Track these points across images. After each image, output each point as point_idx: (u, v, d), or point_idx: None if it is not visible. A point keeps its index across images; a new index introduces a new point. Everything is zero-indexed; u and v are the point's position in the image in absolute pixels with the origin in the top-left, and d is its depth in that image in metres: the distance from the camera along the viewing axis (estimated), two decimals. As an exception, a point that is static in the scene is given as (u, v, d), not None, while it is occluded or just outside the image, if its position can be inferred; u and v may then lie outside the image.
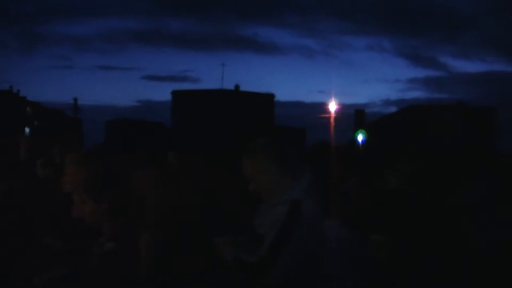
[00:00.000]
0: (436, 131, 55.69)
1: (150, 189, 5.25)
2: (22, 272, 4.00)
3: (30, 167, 6.26)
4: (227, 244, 3.94)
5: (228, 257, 3.89)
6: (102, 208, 3.60)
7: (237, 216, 4.80)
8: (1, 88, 60.71)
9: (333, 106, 42.06)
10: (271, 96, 67.64)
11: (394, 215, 6.10)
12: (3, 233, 4.78)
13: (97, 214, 3.62)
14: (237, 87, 65.94)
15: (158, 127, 59.14)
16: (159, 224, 4.56)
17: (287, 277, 3.75)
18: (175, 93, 66.37)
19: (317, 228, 3.90)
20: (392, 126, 59.62)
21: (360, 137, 48.19)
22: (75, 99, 64.27)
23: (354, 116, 62.94)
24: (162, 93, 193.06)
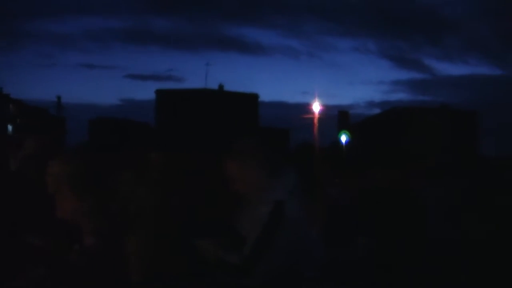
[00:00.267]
0: (419, 133, 55.95)
1: (133, 189, 5.25)
2: (4, 272, 3.98)
3: (12, 165, 6.23)
4: (209, 245, 3.94)
5: (211, 258, 3.89)
6: (84, 206, 3.59)
7: (220, 216, 4.80)
8: (-17, 86, 60.36)
9: (317, 107, 42.23)
10: (255, 96, 67.68)
11: (379, 216, 6.14)
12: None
13: (79, 212, 3.61)
14: (221, 86, 65.94)
15: (142, 127, 59.07)
16: (143, 224, 4.56)
17: (270, 278, 3.75)
18: (159, 92, 66.26)
19: (301, 229, 3.91)
20: (375, 128, 59.83)
21: (343, 138, 48.38)
22: (59, 97, 64.10)
23: (337, 117, 63.13)
24: (145, 92, 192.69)
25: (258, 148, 4.00)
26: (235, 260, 3.78)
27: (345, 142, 48.08)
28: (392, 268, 5.90)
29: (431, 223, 6.37)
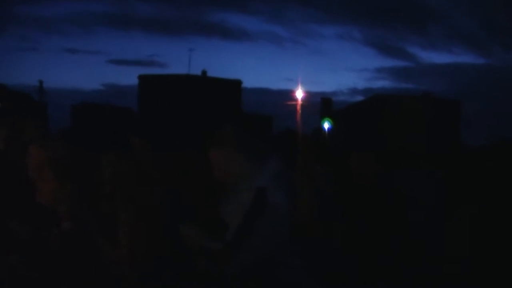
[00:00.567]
0: (401, 121, 56.12)
1: (115, 175, 5.22)
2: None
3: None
4: (192, 231, 3.94)
5: (193, 244, 3.89)
6: (65, 190, 3.59)
7: (202, 203, 4.80)
8: (-36, 70, 59.91)
9: (300, 94, 42.17)
10: (238, 82, 67.58)
11: (356, 202, 6.17)
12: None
13: (59, 196, 3.60)
14: (204, 72, 65.75)
15: (124, 112, 58.84)
16: (126, 209, 4.54)
17: (252, 265, 3.76)
18: (142, 78, 66.00)
19: (284, 215, 3.91)
20: (358, 115, 59.96)
21: (326, 125, 48.42)
22: (41, 82, 63.61)
23: (320, 104, 63.15)
24: (128, 77, 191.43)
25: (241, 135, 4.00)
26: (217, 246, 3.78)
27: (328, 129, 48.15)
28: (366, 254, 5.95)
29: (407, 211, 6.42)
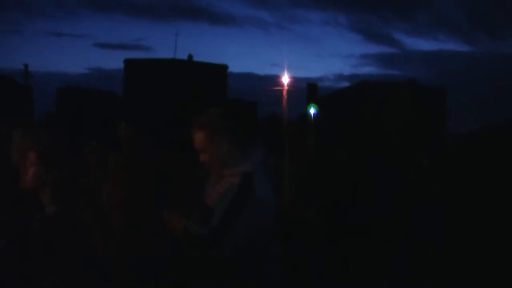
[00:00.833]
0: (387, 107, 56.24)
1: (101, 158, 5.21)
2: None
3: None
4: (176, 217, 3.93)
5: (178, 230, 3.88)
6: (49, 175, 3.57)
7: (187, 188, 4.79)
8: None
9: (286, 79, 42.11)
10: (224, 67, 67.46)
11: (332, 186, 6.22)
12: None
13: (43, 180, 3.58)
14: (190, 57, 65.58)
15: (109, 96, 58.59)
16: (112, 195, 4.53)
17: (237, 250, 3.76)
18: (127, 62, 65.74)
19: (268, 201, 3.91)
20: (343, 101, 60.03)
21: (312, 111, 48.41)
22: (26, 65, 63.21)
23: (306, 89, 63.13)
24: (113, 61, 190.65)
25: (226, 119, 3.99)
26: (202, 231, 3.78)
27: (314, 114, 48.16)
28: (338, 237, 6.01)
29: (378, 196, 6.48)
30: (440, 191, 7.07)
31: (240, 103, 54.49)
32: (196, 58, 65.91)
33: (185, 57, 65.57)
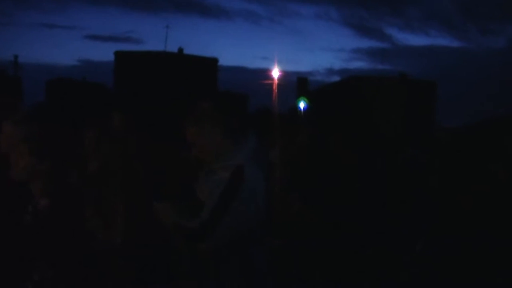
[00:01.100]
0: (377, 102, 56.33)
1: (95, 150, 5.20)
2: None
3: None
4: (167, 209, 3.93)
5: (168, 222, 3.89)
6: (41, 166, 3.56)
7: (179, 181, 4.80)
8: None
9: (276, 73, 42.17)
10: (214, 60, 67.40)
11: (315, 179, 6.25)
12: None
13: (35, 172, 3.57)
14: (180, 50, 65.48)
15: (98, 88, 58.45)
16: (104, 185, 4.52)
17: (227, 242, 3.77)
18: (118, 54, 65.59)
19: (260, 193, 3.92)
20: (333, 95, 60.09)
21: (302, 105, 48.45)
22: (16, 56, 62.99)
23: (296, 83, 63.19)
24: (104, 53, 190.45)
25: (217, 112, 4.00)
26: (193, 224, 3.78)
27: (304, 108, 48.22)
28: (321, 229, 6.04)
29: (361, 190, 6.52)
30: (433, 185, 7.11)
31: (231, 95, 54.46)
32: (187, 51, 65.85)
33: (175, 49, 65.51)
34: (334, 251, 6.02)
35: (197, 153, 3.98)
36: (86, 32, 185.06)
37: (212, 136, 3.93)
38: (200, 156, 3.99)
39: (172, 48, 71.72)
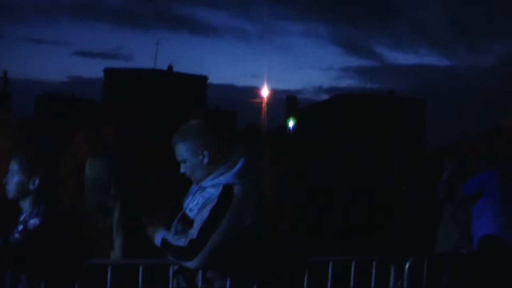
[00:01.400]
0: (366, 120, 56.41)
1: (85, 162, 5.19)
2: None
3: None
4: (156, 225, 3.95)
5: (156, 239, 3.90)
6: (32, 183, 3.57)
7: (168, 197, 4.81)
8: None
9: (265, 91, 42.26)
10: (204, 78, 67.49)
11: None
12: None
13: (25, 190, 3.58)
14: (170, 67, 65.53)
15: (87, 104, 58.34)
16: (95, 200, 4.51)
17: (215, 260, 3.78)
18: (107, 71, 65.55)
19: (249, 212, 3.94)
20: (322, 114, 60.16)
21: (291, 124, 48.51)
22: (5, 72, 62.73)
23: (285, 102, 63.24)
24: (93, 69, 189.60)
25: (206, 131, 4.01)
26: (182, 242, 3.79)
27: (292, 127, 48.28)
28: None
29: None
30: (421, 200, 7.20)
31: (219, 113, 54.50)
32: (177, 68, 65.92)
33: (165, 66, 65.55)
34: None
35: (186, 170, 4.00)
36: (75, 48, 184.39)
37: (200, 154, 3.93)
38: (190, 174, 4.01)
39: (162, 65, 71.80)
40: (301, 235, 6.38)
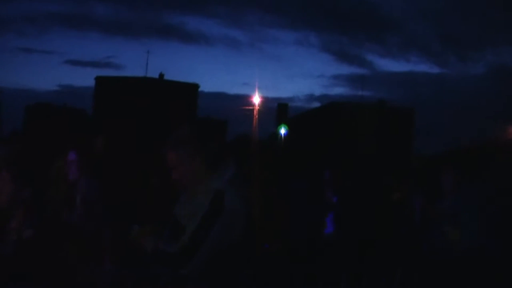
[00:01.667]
0: (356, 129, 56.51)
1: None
2: None
3: None
4: (147, 233, 3.96)
5: (147, 247, 3.91)
6: (22, 195, 3.57)
7: (159, 206, 4.83)
8: None
9: (257, 99, 42.28)
10: (195, 86, 67.47)
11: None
12: None
13: (18, 200, 3.59)
14: (161, 75, 65.51)
15: (78, 114, 58.25)
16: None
17: (206, 267, 3.79)
18: (98, 80, 65.50)
19: (239, 219, 3.96)
20: (313, 122, 60.23)
21: (282, 131, 48.55)
22: (-4, 82, 62.55)
23: (277, 110, 63.33)
24: (84, 78, 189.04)
25: (197, 137, 4.03)
26: (173, 250, 3.80)
27: (284, 134, 48.31)
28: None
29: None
30: (408, 211, 7.21)
31: (210, 122, 54.50)
32: (168, 77, 65.91)
33: (156, 75, 65.53)
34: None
35: (178, 177, 4.02)
36: (66, 57, 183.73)
37: (191, 162, 3.95)
38: (181, 180, 4.02)
39: (153, 73, 71.69)
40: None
